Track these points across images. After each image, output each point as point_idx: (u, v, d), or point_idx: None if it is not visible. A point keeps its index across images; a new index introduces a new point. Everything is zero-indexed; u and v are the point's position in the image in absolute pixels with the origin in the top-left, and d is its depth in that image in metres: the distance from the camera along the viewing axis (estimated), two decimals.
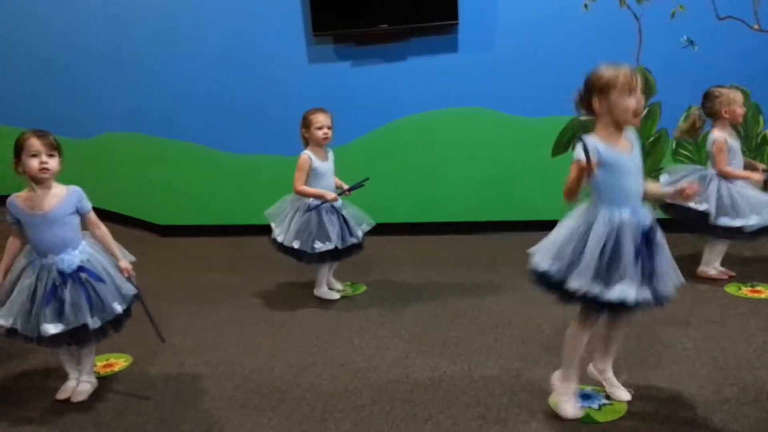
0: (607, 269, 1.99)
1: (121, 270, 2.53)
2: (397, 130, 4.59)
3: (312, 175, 3.35)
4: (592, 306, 2.06)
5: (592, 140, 2.02)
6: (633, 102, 2.01)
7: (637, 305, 2.00)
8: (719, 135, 3.22)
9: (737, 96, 3.22)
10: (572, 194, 2.07)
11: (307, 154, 3.35)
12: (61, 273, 2.38)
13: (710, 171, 3.28)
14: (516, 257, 4.14)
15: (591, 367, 2.36)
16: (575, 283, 2.00)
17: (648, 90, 4.18)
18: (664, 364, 2.51)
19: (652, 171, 4.28)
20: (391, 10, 4.34)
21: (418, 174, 4.63)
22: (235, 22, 4.64)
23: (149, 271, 4.12)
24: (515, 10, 4.26)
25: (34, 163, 2.34)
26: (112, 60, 4.96)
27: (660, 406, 2.22)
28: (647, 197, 2.16)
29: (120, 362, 2.86)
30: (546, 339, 2.83)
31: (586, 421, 2.16)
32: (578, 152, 2.00)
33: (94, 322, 2.40)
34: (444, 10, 4.25)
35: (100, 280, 2.43)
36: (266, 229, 3.49)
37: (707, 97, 3.28)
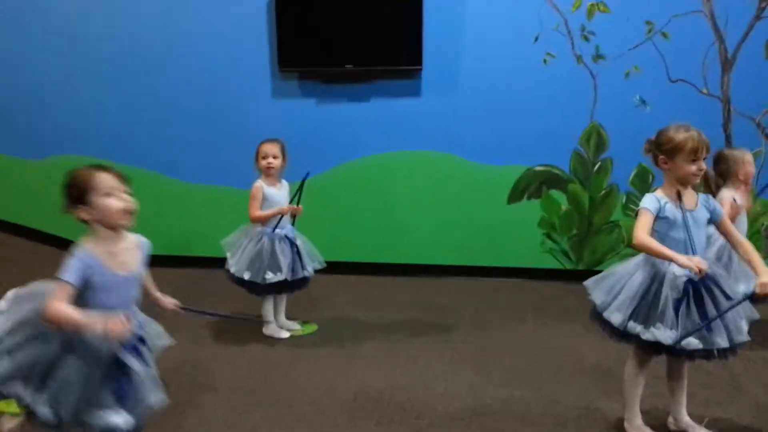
0: (648, 312, 2.18)
1: (165, 308, 2.23)
2: (358, 169, 4.61)
3: (265, 204, 3.38)
4: (636, 344, 2.26)
5: (653, 196, 2.25)
6: (695, 167, 2.20)
7: (684, 352, 2.15)
8: (728, 194, 3.24)
9: (749, 156, 3.29)
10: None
11: (259, 182, 3.39)
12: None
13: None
14: (470, 301, 4.24)
15: (670, 419, 2.48)
16: (614, 317, 2.23)
17: (601, 145, 4.33)
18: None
19: (602, 224, 4.41)
20: (357, 52, 4.40)
21: (376, 214, 4.65)
22: (200, 50, 4.61)
23: None
24: (478, 60, 4.37)
25: (116, 204, 1.90)
26: (71, 80, 4.86)
27: None
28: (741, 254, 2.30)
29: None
30: (497, 387, 2.83)
31: None
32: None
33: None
34: (409, 55, 4.33)
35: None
36: (218, 261, 3.44)
37: (721, 160, 3.30)
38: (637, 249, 2.25)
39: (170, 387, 2.78)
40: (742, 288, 3.15)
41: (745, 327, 2.22)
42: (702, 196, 2.31)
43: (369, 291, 4.31)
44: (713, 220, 2.29)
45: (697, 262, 2.08)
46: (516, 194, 4.47)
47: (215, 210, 4.68)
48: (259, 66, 4.59)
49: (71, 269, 1.83)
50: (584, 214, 4.44)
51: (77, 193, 1.89)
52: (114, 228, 1.93)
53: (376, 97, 4.55)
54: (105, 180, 1.91)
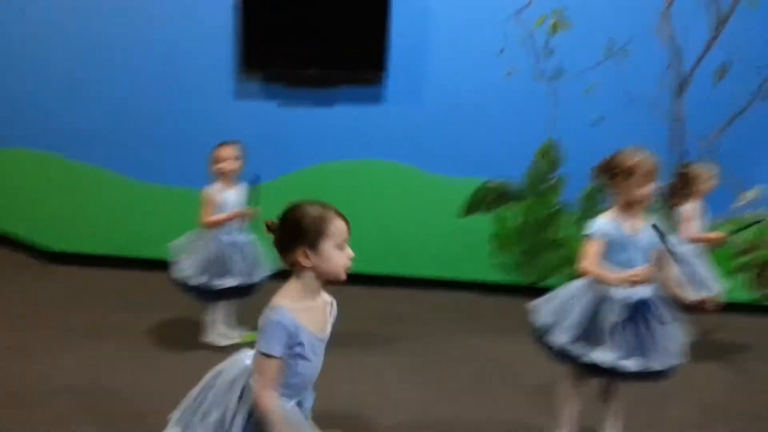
0: (589, 334, 2.21)
1: None
2: (317, 174, 4.60)
3: (220, 208, 3.34)
4: (575, 365, 2.29)
5: (604, 219, 2.27)
6: (648, 190, 2.24)
7: (621, 374, 2.20)
8: (690, 207, 3.41)
9: (712, 172, 3.46)
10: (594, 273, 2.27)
11: (212, 187, 3.36)
12: None
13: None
14: (420, 312, 4.25)
15: None
16: (557, 339, 2.26)
17: (556, 161, 4.38)
18: None
19: (553, 240, 4.46)
20: (321, 55, 4.38)
21: None
22: (163, 48, 4.56)
23: (33, 300, 3.93)
24: (443, 70, 4.39)
25: (345, 259, 1.71)
26: (40, 71, 4.71)
27: None
28: (662, 282, 2.34)
29: None
30: (442, 400, 2.85)
31: None
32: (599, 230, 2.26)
33: None
34: (373, 61, 4.33)
35: None
36: (168, 265, 3.39)
37: (683, 176, 3.48)
38: (582, 275, 2.30)
39: (106, 396, 2.75)
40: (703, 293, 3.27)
41: (679, 351, 2.29)
42: (647, 219, 2.35)
43: None
44: (654, 245, 2.34)
45: (630, 274, 2.16)
46: (471, 207, 4.51)
47: (170, 211, 4.62)
48: (222, 67, 4.55)
49: (277, 340, 1.61)
50: (536, 229, 4.49)
51: (307, 234, 1.65)
52: (329, 283, 1.72)
53: (339, 103, 4.55)
54: (342, 229, 1.70)
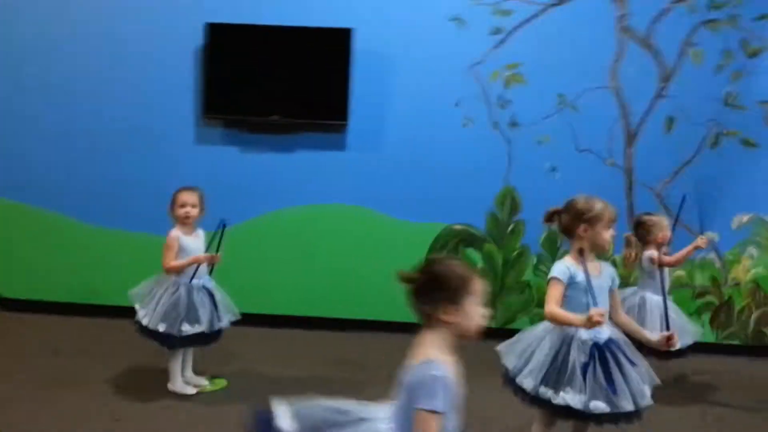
0: (557, 376, 2.24)
1: None
2: (278, 220, 4.59)
3: (181, 254, 3.29)
4: (545, 408, 2.31)
5: (565, 263, 2.37)
6: (610, 234, 2.35)
7: (591, 416, 2.23)
8: (648, 254, 3.54)
9: (665, 221, 3.62)
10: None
11: (175, 232, 3.31)
12: None
13: (640, 292, 3.59)
14: (385, 357, 4.21)
15: None
16: (526, 382, 2.30)
17: (514, 208, 4.52)
18: None
19: (514, 283, 4.57)
20: (283, 103, 4.44)
21: (294, 266, 4.61)
22: (124, 92, 4.52)
23: None
24: (403, 119, 4.49)
25: (480, 318, 1.70)
26: None
27: None
28: (623, 329, 2.43)
29: None
30: None
31: None
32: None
33: None
34: (335, 110, 4.41)
35: None
36: (126, 311, 3.31)
37: (641, 225, 3.62)
38: (548, 320, 2.37)
39: None
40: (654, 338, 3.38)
41: (648, 391, 2.34)
42: (604, 263, 2.46)
43: (283, 345, 4.25)
44: (611, 288, 2.43)
45: (594, 314, 2.20)
46: (435, 250, 4.57)
47: (128, 257, 4.51)
48: (183, 112, 4.55)
49: (442, 396, 1.58)
50: (498, 273, 4.58)
51: (452, 290, 1.66)
52: (464, 340, 1.70)
53: (300, 149, 4.59)
54: (483, 288, 1.71)
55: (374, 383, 3.58)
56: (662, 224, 3.61)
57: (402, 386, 1.66)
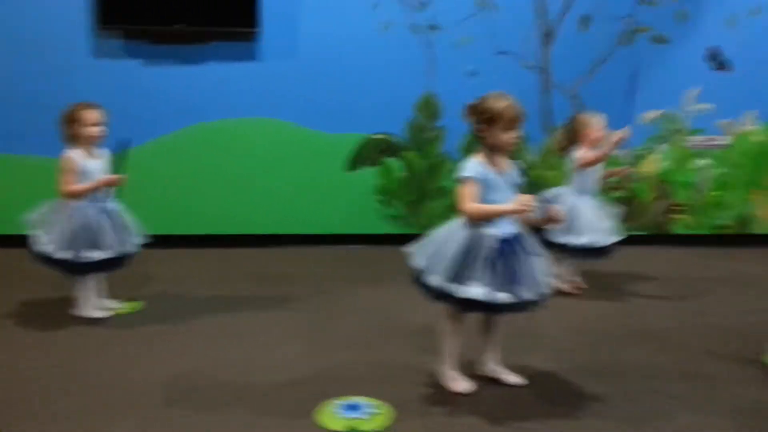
0: (463, 271, 2.27)
1: None
2: (191, 136, 4.38)
3: (82, 176, 3.08)
4: (451, 303, 2.36)
5: (474, 162, 2.35)
6: (512, 136, 2.32)
7: (495, 306, 2.29)
8: (578, 154, 3.51)
9: (597, 120, 3.56)
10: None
11: (73, 153, 3.08)
12: None
13: (563, 189, 3.58)
14: (307, 270, 4.22)
15: (483, 368, 2.58)
16: (433, 279, 2.33)
17: (435, 114, 4.45)
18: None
19: (435, 191, 4.57)
20: (188, 10, 4.13)
21: (208, 184, 4.45)
22: (9, 3, 4.11)
23: None
24: (317, 25, 4.30)
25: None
26: None
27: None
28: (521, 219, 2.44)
29: None
30: (327, 354, 2.84)
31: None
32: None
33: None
34: (245, 17, 4.15)
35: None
36: (20, 239, 3.11)
37: (573, 123, 3.59)
38: (468, 218, 2.34)
39: None
40: (583, 240, 3.46)
41: (547, 281, 2.43)
42: (509, 162, 2.44)
43: (202, 265, 4.14)
44: (516, 185, 2.44)
45: (522, 201, 2.27)
46: (354, 162, 4.49)
47: (23, 182, 4.22)
48: (76, 22, 4.18)
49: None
50: (420, 180, 4.56)
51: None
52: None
53: (209, 60, 4.33)
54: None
55: (300, 296, 3.57)
56: (592, 123, 3.57)
57: None
